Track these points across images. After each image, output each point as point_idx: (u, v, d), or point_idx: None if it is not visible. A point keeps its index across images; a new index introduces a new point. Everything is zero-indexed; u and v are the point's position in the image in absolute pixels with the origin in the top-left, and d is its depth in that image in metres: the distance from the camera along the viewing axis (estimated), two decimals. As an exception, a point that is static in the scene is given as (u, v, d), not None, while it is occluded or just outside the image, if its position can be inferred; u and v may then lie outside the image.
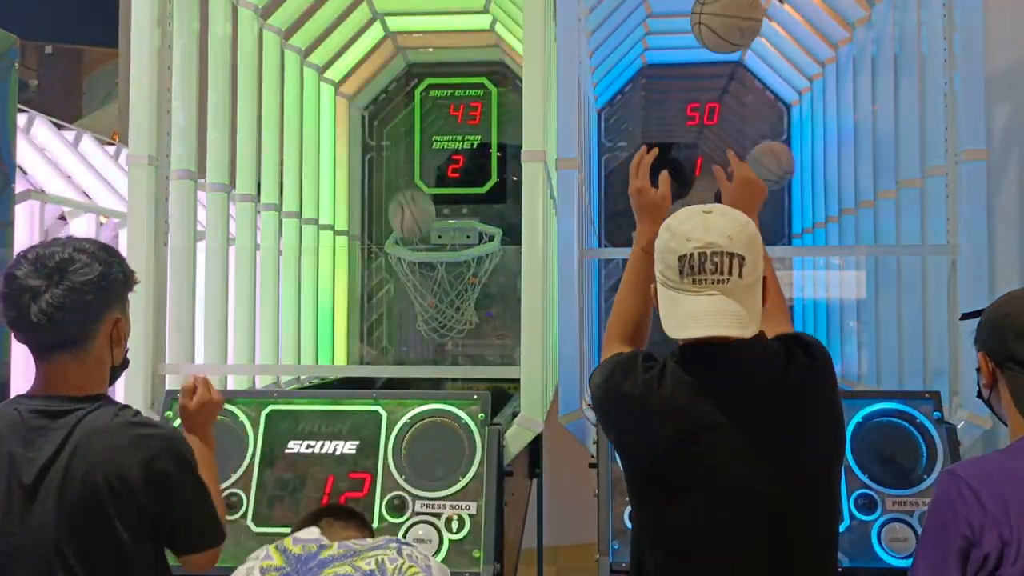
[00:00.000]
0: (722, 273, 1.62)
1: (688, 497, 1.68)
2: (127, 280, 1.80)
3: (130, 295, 1.84)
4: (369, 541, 1.73)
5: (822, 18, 4.17)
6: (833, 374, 1.77)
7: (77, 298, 1.67)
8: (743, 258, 1.63)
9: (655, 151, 2.05)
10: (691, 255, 1.63)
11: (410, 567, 1.66)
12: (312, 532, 1.77)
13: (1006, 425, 1.78)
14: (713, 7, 2.98)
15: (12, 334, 1.73)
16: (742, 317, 1.63)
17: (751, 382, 1.69)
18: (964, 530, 1.58)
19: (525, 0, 2.88)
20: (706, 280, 1.62)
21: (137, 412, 1.76)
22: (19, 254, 1.73)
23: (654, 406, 1.71)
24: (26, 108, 4.03)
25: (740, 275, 1.63)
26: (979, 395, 1.85)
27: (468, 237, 5.02)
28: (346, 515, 1.88)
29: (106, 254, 1.76)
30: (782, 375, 1.70)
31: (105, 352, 1.76)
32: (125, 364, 1.86)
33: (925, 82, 3.13)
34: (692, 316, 1.63)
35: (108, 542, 1.66)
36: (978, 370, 1.82)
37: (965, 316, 2.08)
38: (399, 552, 1.69)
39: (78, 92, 17.40)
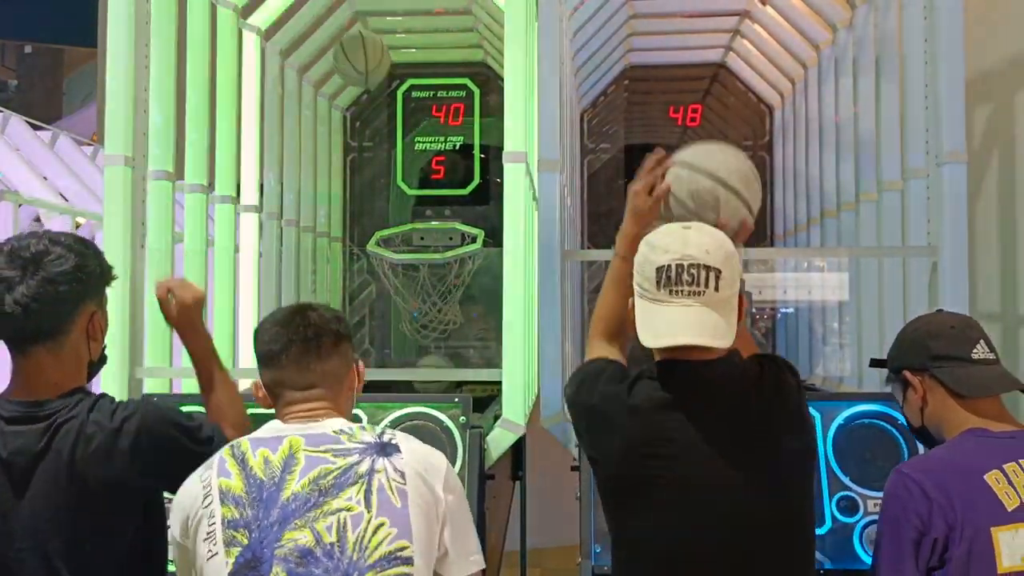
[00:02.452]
0: (698, 285, 1.65)
1: (653, 508, 1.68)
2: (104, 273, 1.78)
3: (108, 291, 1.82)
4: (344, 441, 1.65)
5: (804, 21, 4.18)
6: (802, 392, 1.81)
7: (52, 289, 1.65)
8: (719, 271, 1.66)
9: (670, 158, 2.01)
10: (668, 266, 1.66)
11: (379, 523, 1.59)
12: (272, 427, 1.70)
13: (940, 443, 1.89)
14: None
15: None
16: (717, 328, 1.65)
17: (722, 397, 1.71)
18: (914, 521, 1.71)
19: (507, 1, 2.87)
20: (682, 291, 1.65)
21: (112, 399, 1.74)
22: None
23: (622, 415, 1.71)
24: (2, 108, 3.97)
25: (716, 288, 1.66)
26: (912, 430, 1.98)
27: (451, 239, 5.01)
28: (316, 335, 1.74)
29: (82, 246, 1.74)
30: (754, 391, 1.73)
31: (82, 346, 1.74)
32: (103, 360, 1.84)
33: (906, 84, 3.13)
34: (668, 325, 1.65)
35: (103, 538, 1.66)
36: (904, 402, 1.96)
37: (874, 363, 2.19)
38: (368, 489, 1.61)
39: (58, 92, 17.26)
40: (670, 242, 1.69)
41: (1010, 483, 1.71)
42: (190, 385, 3.21)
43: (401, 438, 1.72)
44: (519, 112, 2.77)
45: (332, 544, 1.57)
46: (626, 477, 1.71)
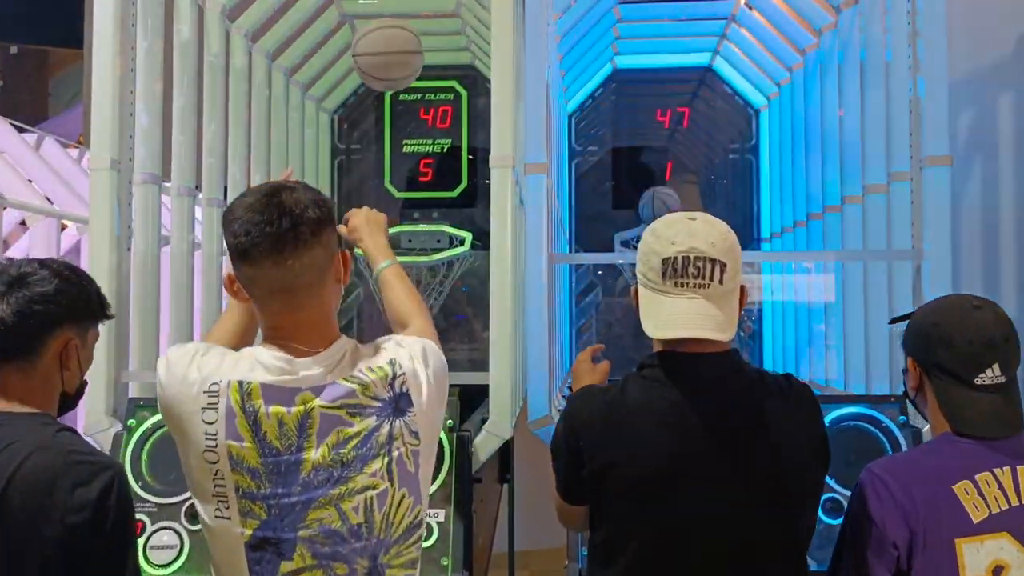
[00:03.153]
0: (704, 278, 1.66)
1: (654, 506, 1.68)
2: (89, 304, 1.78)
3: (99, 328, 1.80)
4: (358, 393, 1.59)
5: (790, 24, 4.21)
6: (816, 408, 1.78)
7: (27, 308, 1.66)
8: (724, 264, 1.68)
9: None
10: (674, 258, 1.67)
11: (402, 495, 1.59)
12: (278, 362, 1.58)
13: (927, 421, 1.89)
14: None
15: None
16: (720, 321, 1.66)
17: (721, 390, 1.71)
18: (876, 521, 1.70)
19: (494, 5, 2.87)
20: (688, 284, 1.66)
21: (80, 439, 1.68)
22: None
23: (621, 415, 1.72)
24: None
25: (721, 281, 1.67)
26: (904, 395, 1.95)
27: (438, 241, 4.99)
28: (294, 222, 1.57)
29: (71, 273, 1.76)
30: (756, 390, 1.73)
31: (54, 373, 1.71)
32: (79, 394, 1.80)
33: (890, 88, 3.16)
34: (672, 317, 1.66)
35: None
36: (904, 371, 1.92)
37: (894, 320, 2.18)
38: (390, 462, 1.58)
39: (44, 93, 17.15)
40: (676, 233, 1.70)
41: (980, 494, 1.68)
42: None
43: (408, 374, 1.65)
44: (507, 115, 2.78)
45: (360, 524, 1.57)
46: (631, 480, 1.70)
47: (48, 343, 1.70)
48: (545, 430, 2.84)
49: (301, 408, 1.57)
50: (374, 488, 1.58)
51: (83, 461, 1.59)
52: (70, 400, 1.78)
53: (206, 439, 1.56)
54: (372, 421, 1.59)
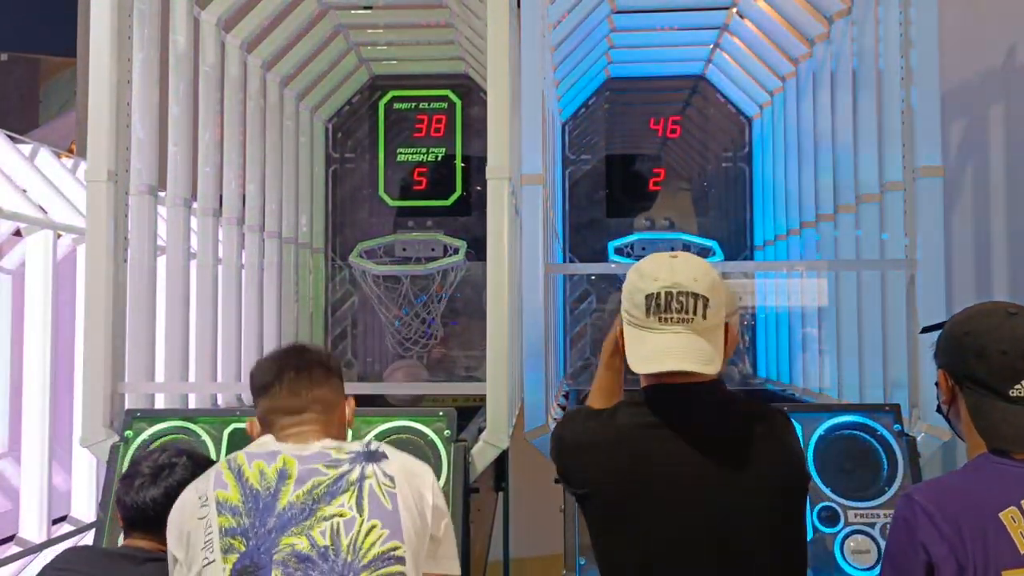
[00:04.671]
0: (687, 312, 1.69)
1: (639, 530, 1.69)
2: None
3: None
4: (333, 455, 1.76)
5: (782, 34, 4.23)
6: (793, 431, 1.82)
7: (175, 492, 1.92)
8: (707, 299, 1.70)
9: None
10: (658, 294, 1.70)
11: (372, 525, 1.69)
12: (266, 443, 1.80)
13: (963, 441, 1.78)
14: None
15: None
16: (706, 354, 1.69)
17: (708, 420, 1.74)
18: (921, 554, 1.59)
19: (489, 15, 2.89)
20: (671, 319, 1.69)
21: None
22: (142, 455, 2.28)
23: (609, 438, 1.74)
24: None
25: (704, 316, 1.70)
26: (938, 410, 1.87)
27: (432, 250, 5.01)
28: (308, 365, 1.88)
29: (201, 459, 2.19)
30: (751, 422, 1.76)
31: None
32: None
33: (882, 98, 3.18)
34: (657, 351, 1.69)
35: None
36: (937, 385, 1.82)
37: (926, 330, 2.09)
38: (359, 495, 1.71)
39: (35, 100, 17.11)
40: (658, 269, 1.73)
41: None
42: (171, 400, 3.21)
43: (387, 448, 1.83)
44: (502, 126, 2.79)
45: (327, 547, 1.66)
46: (614, 503, 1.71)
47: None
48: (541, 440, 2.85)
49: (280, 463, 1.75)
50: (341, 516, 1.69)
51: None
52: None
53: (199, 501, 1.73)
54: (345, 467, 1.75)
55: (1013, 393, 1.66)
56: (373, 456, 1.77)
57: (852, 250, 3.50)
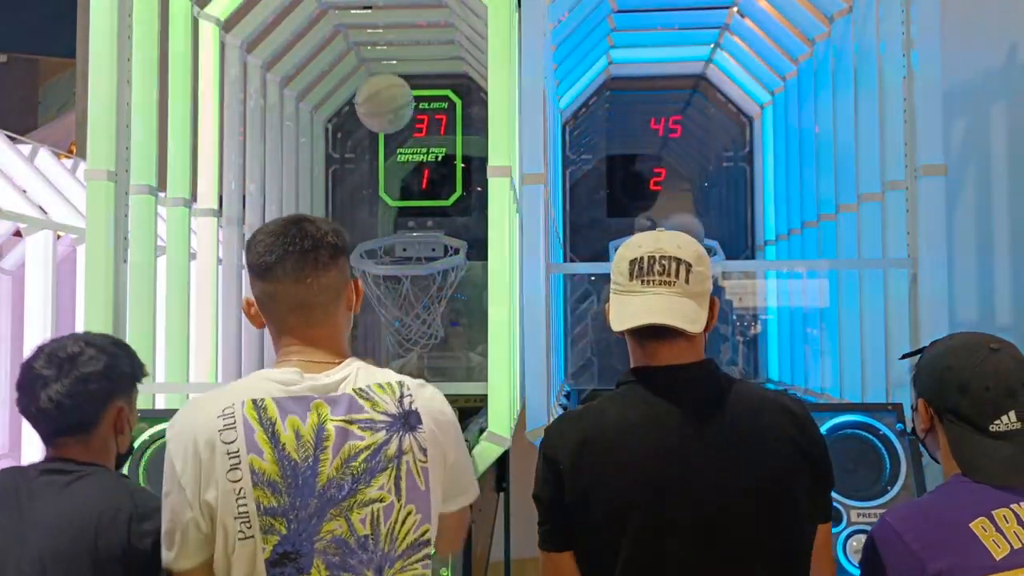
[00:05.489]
0: (669, 275, 1.68)
1: (639, 516, 1.64)
2: (134, 372, 1.95)
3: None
4: (367, 408, 1.62)
5: (784, 33, 4.23)
6: (794, 414, 1.74)
7: (83, 387, 1.82)
8: (690, 265, 1.69)
9: None
10: (641, 258, 1.70)
11: (408, 511, 1.62)
12: (291, 379, 1.62)
13: (938, 463, 1.81)
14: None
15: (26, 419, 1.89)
16: (689, 313, 1.67)
17: (701, 400, 1.69)
18: (891, 572, 1.62)
19: (490, 15, 2.88)
20: (654, 281, 1.68)
21: (139, 487, 1.89)
22: (37, 347, 1.89)
23: (599, 434, 1.68)
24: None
25: (687, 280, 1.68)
26: (913, 433, 1.87)
27: (433, 250, 5.00)
28: (315, 246, 1.68)
29: (115, 348, 1.93)
30: (733, 398, 1.71)
31: (110, 439, 1.89)
32: (130, 451, 2.00)
33: (884, 98, 3.18)
34: (640, 309, 1.67)
35: None
36: (914, 410, 1.84)
37: (905, 356, 2.12)
38: (397, 475, 1.61)
39: (34, 101, 17.12)
40: (643, 238, 1.74)
41: (999, 530, 1.61)
42: (173, 400, 3.20)
43: (419, 399, 1.68)
44: (503, 126, 2.78)
45: (366, 536, 1.60)
46: (615, 494, 1.66)
47: (103, 416, 1.87)
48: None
49: (315, 418, 1.61)
50: (381, 501, 1.62)
51: (148, 503, 1.78)
52: (124, 457, 1.97)
53: (229, 458, 1.58)
54: (382, 435, 1.63)
55: (993, 428, 1.68)
56: (409, 423, 1.65)
57: (854, 249, 3.49)
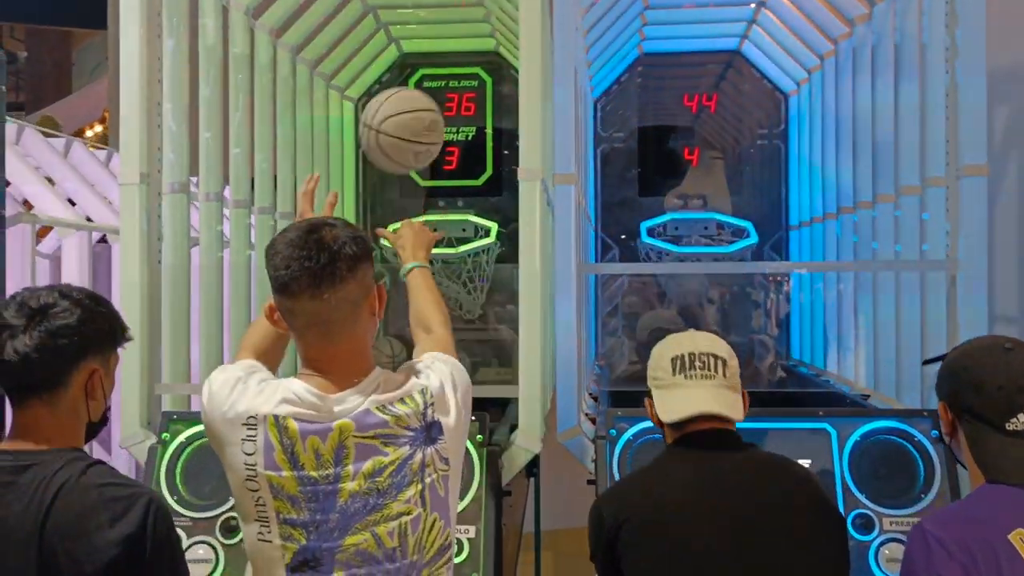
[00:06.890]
0: (709, 370, 1.93)
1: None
2: (113, 333, 1.75)
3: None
4: (390, 423, 1.66)
5: (822, 12, 4.11)
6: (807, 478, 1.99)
7: (51, 341, 1.63)
8: (725, 360, 1.95)
9: None
10: (682, 355, 1.95)
11: (433, 519, 1.67)
12: (314, 401, 1.64)
13: (964, 467, 1.85)
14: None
15: None
16: (731, 403, 1.93)
17: (736, 466, 1.90)
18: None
19: (522, 4, 2.82)
20: (695, 375, 1.92)
21: (111, 470, 1.69)
22: (10, 296, 1.70)
23: (654, 484, 1.90)
24: (15, 119, 3.95)
25: (724, 375, 1.94)
26: (940, 439, 1.95)
27: (464, 230, 4.97)
28: (332, 259, 1.64)
29: (93, 303, 1.71)
30: (758, 461, 1.95)
31: (80, 404, 1.69)
32: (104, 422, 1.78)
33: (925, 90, 3.09)
34: (687, 400, 1.90)
35: None
36: (938, 415, 1.91)
37: (927, 362, 2.18)
38: (422, 487, 1.66)
39: (68, 66, 17.18)
40: (680, 339, 2.01)
41: None
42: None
43: (438, 401, 1.72)
44: (534, 128, 2.75)
45: (395, 548, 1.64)
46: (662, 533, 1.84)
47: (73, 375, 1.67)
48: (574, 441, 2.85)
49: (337, 436, 1.64)
50: (408, 514, 1.65)
51: (117, 496, 1.60)
52: (96, 427, 1.76)
53: (246, 468, 1.64)
54: (406, 450, 1.66)
55: (1010, 427, 1.73)
56: (430, 433, 1.69)
57: (891, 240, 3.42)
